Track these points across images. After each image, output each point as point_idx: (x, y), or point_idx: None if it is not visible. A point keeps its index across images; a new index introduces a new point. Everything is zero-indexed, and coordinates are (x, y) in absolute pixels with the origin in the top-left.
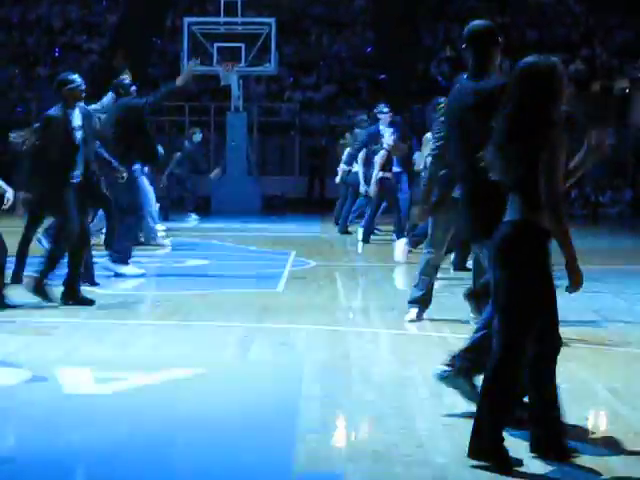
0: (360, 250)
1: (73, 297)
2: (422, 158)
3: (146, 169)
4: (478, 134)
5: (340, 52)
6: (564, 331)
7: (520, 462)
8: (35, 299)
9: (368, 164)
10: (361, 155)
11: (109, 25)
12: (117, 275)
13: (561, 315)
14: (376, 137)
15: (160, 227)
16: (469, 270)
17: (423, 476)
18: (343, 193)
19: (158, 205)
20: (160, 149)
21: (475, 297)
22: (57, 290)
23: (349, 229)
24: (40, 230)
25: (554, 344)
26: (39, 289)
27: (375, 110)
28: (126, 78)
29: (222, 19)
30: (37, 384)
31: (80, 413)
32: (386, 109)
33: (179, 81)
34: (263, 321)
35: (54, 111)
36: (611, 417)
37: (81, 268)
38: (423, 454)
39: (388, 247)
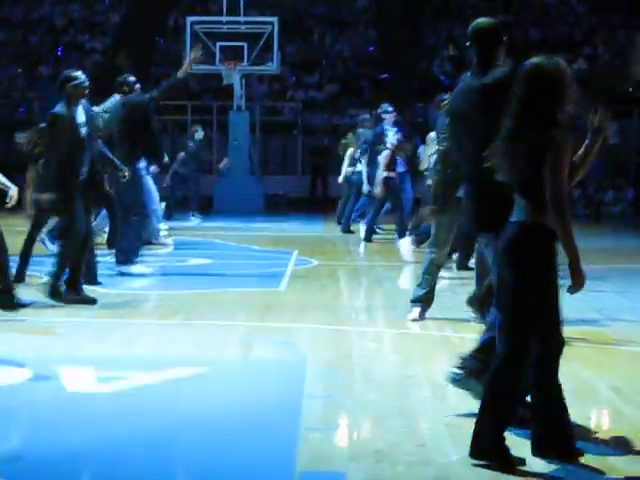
0: (362, 249)
1: (75, 296)
2: (426, 158)
3: (152, 168)
4: (482, 132)
5: (342, 51)
6: (567, 330)
7: (523, 461)
8: (40, 298)
9: (371, 164)
10: (360, 152)
11: (112, 24)
12: (121, 274)
13: (564, 314)
14: (381, 137)
15: (163, 226)
16: (471, 269)
17: (425, 475)
18: (346, 192)
19: (164, 204)
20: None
21: (478, 303)
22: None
23: (351, 228)
24: (44, 230)
25: (557, 344)
26: (54, 292)
27: (379, 110)
28: (130, 76)
29: (225, 18)
30: (39, 383)
31: (82, 412)
32: (390, 108)
33: (180, 73)
34: (265, 320)
35: (59, 109)
36: (614, 416)
37: (82, 267)
38: (425, 453)
39: (390, 246)
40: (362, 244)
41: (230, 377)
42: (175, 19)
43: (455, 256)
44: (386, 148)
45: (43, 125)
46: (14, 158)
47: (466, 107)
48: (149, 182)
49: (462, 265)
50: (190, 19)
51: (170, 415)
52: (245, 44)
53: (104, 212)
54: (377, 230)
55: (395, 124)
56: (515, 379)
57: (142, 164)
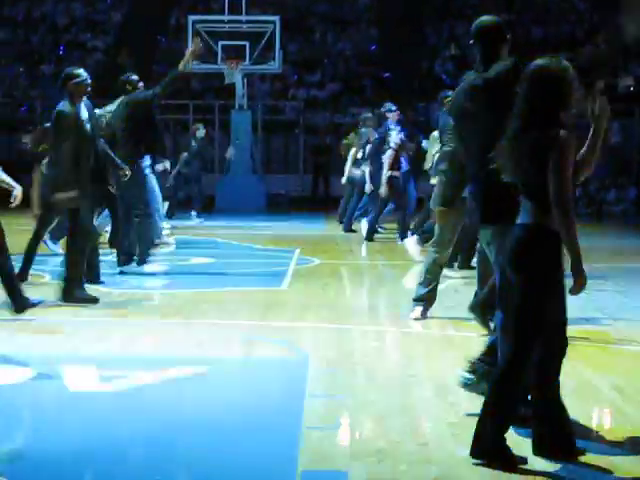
0: (364, 248)
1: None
2: (430, 157)
3: (159, 166)
4: (486, 130)
5: (344, 50)
6: (569, 329)
7: (524, 460)
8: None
9: (375, 163)
10: (368, 153)
11: (114, 23)
12: (122, 273)
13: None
14: (386, 136)
15: (165, 225)
16: (473, 268)
17: (427, 474)
18: (348, 191)
19: (167, 203)
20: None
21: (480, 310)
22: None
23: (353, 227)
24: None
25: (561, 344)
26: (70, 295)
27: (382, 109)
28: (133, 74)
29: (226, 17)
30: (42, 382)
31: (84, 411)
32: (394, 107)
33: (181, 65)
34: (267, 319)
35: (63, 106)
36: (616, 415)
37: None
38: (427, 452)
39: (392, 245)
40: (364, 243)
41: (232, 376)
42: (177, 18)
43: (458, 256)
44: (390, 147)
45: (47, 124)
46: (16, 157)
47: (469, 105)
48: (153, 181)
49: (464, 264)
50: (192, 18)
51: (171, 414)
52: (247, 43)
53: (106, 211)
54: (379, 229)
55: (398, 123)
56: (520, 380)
57: (147, 162)
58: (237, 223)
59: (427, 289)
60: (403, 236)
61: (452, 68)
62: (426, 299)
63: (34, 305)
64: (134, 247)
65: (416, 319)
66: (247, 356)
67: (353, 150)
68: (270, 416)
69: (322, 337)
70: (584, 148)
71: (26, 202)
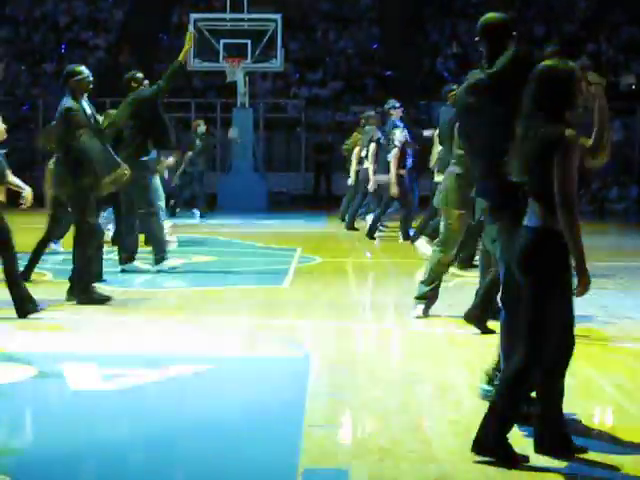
0: (366, 246)
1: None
2: (434, 155)
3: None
4: (492, 125)
5: (346, 48)
6: None
7: (526, 459)
8: (46, 295)
9: (379, 161)
10: (371, 151)
11: (115, 21)
12: (123, 271)
13: None
14: (390, 135)
15: (167, 223)
16: (475, 267)
17: (429, 472)
18: (351, 189)
19: (172, 202)
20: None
21: (475, 318)
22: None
23: (355, 225)
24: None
25: (568, 344)
26: (85, 296)
27: (386, 105)
28: (138, 72)
29: (228, 15)
30: (44, 380)
31: (86, 409)
32: (398, 104)
33: (181, 56)
34: (269, 317)
35: (68, 102)
36: (617, 413)
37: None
38: (429, 451)
39: (394, 243)
40: (366, 241)
41: (233, 374)
42: (179, 16)
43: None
44: (395, 146)
45: (54, 123)
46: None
47: (473, 100)
48: (157, 180)
49: (467, 263)
50: (193, 16)
51: (173, 413)
52: (248, 41)
53: (109, 210)
54: (380, 228)
55: (401, 120)
56: (528, 381)
57: (153, 156)
58: (239, 221)
59: (429, 287)
60: (406, 236)
61: (454, 66)
62: (428, 297)
63: (38, 310)
64: (136, 246)
65: (418, 317)
66: (249, 354)
67: (357, 149)
68: (271, 414)
69: (324, 335)
70: (593, 134)
71: (42, 200)
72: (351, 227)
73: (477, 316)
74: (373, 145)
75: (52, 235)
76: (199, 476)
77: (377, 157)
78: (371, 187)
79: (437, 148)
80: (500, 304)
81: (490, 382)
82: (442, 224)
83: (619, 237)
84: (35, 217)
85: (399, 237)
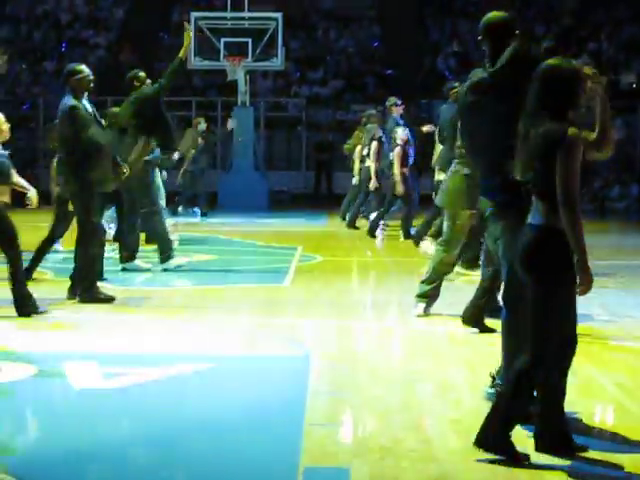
0: (366, 245)
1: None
2: (436, 154)
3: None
4: (494, 124)
5: (347, 47)
6: None
7: (527, 457)
8: (47, 294)
9: (381, 160)
10: (373, 149)
11: (116, 20)
12: (124, 270)
13: None
14: (392, 133)
15: (168, 222)
16: (477, 266)
17: (429, 471)
18: (353, 188)
19: (176, 199)
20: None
21: (473, 319)
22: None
23: (356, 224)
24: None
25: (570, 344)
26: (90, 296)
27: (387, 102)
28: (140, 71)
29: (229, 14)
30: (44, 379)
31: (87, 408)
32: (399, 101)
33: (181, 53)
34: (270, 316)
35: (70, 101)
36: (618, 412)
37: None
38: (430, 449)
39: (395, 242)
40: (367, 240)
41: (234, 373)
42: (179, 14)
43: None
44: (397, 144)
45: (56, 122)
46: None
47: (476, 99)
48: (158, 178)
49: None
50: (194, 15)
51: (174, 411)
52: (249, 40)
53: (112, 208)
54: (380, 226)
55: (401, 117)
56: (537, 379)
57: (156, 154)
58: (239, 220)
59: (430, 286)
60: (407, 234)
61: (455, 64)
62: (429, 296)
63: (38, 312)
64: (137, 244)
65: (419, 316)
66: (249, 353)
67: (359, 147)
68: (272, 413)
69: (324, 334)
70: (596, 127)
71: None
72: (352, 225)
73: (475, 317)
74: (375, 143)
75: (57, 234)
76: (200, 475)
77: (378, 155)
78: (372, 185)
79: (439, 147)
80: (502, 302)
81: (495, 386)
82: (445, 224)
83: (620, 236)
84: (40, 216)
85: (400, 236)
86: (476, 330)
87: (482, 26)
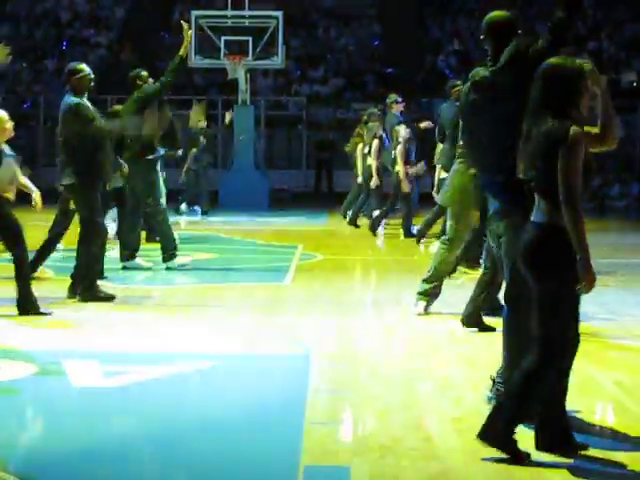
0: (367, 243)
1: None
2: (438, 152)
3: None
4: (496, 123)
5: (347, 45)
6: None
7: (527, 455)
8: (48, 292)
9: (379, 157)
10: (374, 147)
11: (117, 19)
12: (124, 268)
13: None
14: (393, 132)
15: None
16: (479, 265)
17: (429, 470)
18: (355, 186)
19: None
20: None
21: (473, 319)
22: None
23: (358, 222)
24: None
25: (573, 343)
26: (91, 295)
27: (388, 100)
28: (142, 70)
29: (229, 12)
30: (44, 377)
31: (87, 406)
32: (400, 98)
33: (182, 51)
34: (270, 314)
35: (72, 99)
36: (618, 410)
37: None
38: (430, 448)
39: (396, 240)
40: (367, 238)
41: (235, 372)
42: (180, 13)
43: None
44: (399, 143)
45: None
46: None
47: (478, 97)
48: (160, 177)
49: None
50: (195, 13)
51: (174, 410)
52: (250, 38)
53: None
54: (383, 224)
55: (401, 114)
56: (544, 378)
57: (160, 153)
58: (240, 218)
59: (431, 285)
60: (407, 233)
61: (455, 63)
62: (430, 295)
63: (38, 312)
64: (138, 243)
65: (419, 314)
66: (250, 352)
67: (360, 146)
68: (273, 411)
69: (324, 332)
70: (599, 119)
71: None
72: (353, 224)
73: (475, 318)
74: (376, 141)
75: (64, 229)
76: (200, 473)
77: (379, 154)
78: (373, 183)
79: (440, 145)
80: (503, 301)
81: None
82: (449, 223)
83: (620, 234)
84: (44, 214)
85: (400, 234)
86: (477, 328)
87: (485, 25)
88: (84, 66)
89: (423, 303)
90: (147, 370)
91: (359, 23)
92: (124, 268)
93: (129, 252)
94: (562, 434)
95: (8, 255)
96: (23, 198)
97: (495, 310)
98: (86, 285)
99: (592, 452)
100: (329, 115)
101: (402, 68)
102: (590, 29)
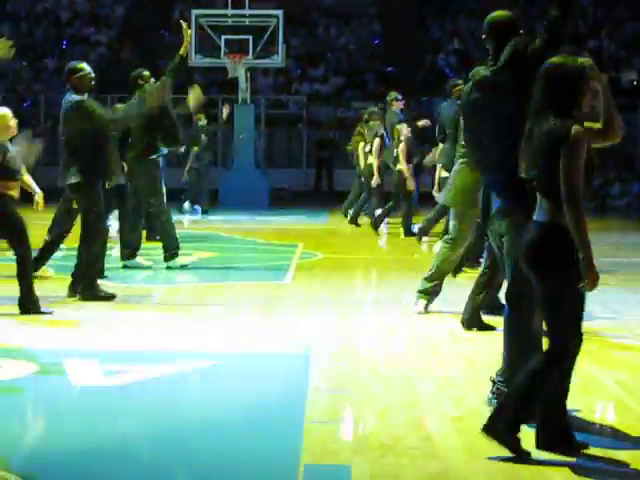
0: (367, 242)
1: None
2: (440, 151)
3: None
4: (497, 122)
5: (348, 44)
6: None
7: (528, 454)
8: (48, 291)
9: (380, 156)
10: (375, 146)
11: (117, 17)
12: (125, 267)
13: None
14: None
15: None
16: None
17: (430, 468)
18: (356, 185)
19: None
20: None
21: (474, 320)
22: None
23: (359, 221)
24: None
25: (575, 342)
26: (91, 294)
27: (388, 97)
28: (144, 70)
29: (230, 11)
30: (45, 376)
31: (87, 405)
32: (400, 96)
33: (182, 51)
34: (270, 313)
35: (72, 97)
36: (619, 409)
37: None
38: (430, 447)
39: (396, 239)
40: (367, 237)
41: (235, 370)
42: (180, 12)
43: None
44: (400, 141)
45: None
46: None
47: (479, 97)
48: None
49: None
50: (195, 12)
51: (174, 409)
52: (250, 37)
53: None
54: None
55: (401, 112)
56: (556, 375)
57: (163, 152)
58: (240, 217)
59: (432, 284)
60: (408, 232)
61: (455, 62)
62: (431, 293)
63: (39, 312)
64: (139, 242)
65: (419, 313)
66: (250, 350)
67: (361, 144)
68: (273, 410)
69: (325, 331)
70: (601, 115)
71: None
72: (354, 222)
73: (475, 320)
74: (377, 140)
75: (68, 228)
76: (200, 472)
77: (381, 152)
78: (374, 182)
79: (440, 144)
80: (505, 300)
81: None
82: (452, 222)
83: (620, 233)
84: (46, 214)
85: (401, 233)
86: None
87: (486, 25)
88: (84, 65)
89: (424, 302)
90: (147, 369)
91: (359, 22)
92: (124, 267)
93: (130, 251)
94: (563, 433)
95: (10, 254)
96: (25, 198)
97: (494, 309)
98: (86, 284)
99: (593, 451)
100: (329, 114)
101: (402, 67)
102: (590, 28)
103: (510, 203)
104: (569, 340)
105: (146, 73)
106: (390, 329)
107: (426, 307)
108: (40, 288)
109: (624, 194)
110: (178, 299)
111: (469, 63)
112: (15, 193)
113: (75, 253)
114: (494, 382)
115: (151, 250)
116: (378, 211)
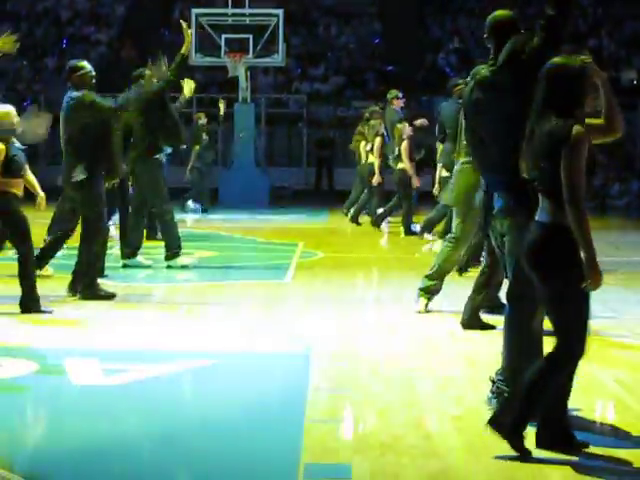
0: (367, 241)
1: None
2: (440, 150)
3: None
4: (498, 121)
5: (348, 43)
6: None
7: (529, 452)
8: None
9: (381, 155)
10: (376, 145)
11: (117, 16)
12: (125, 267)
13: None
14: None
15: None
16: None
17: (430, 467)
18: (357, 184)
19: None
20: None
21: (474, 321)
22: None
23: (359, 220)
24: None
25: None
26: (91, 293)
27: (389, 95)
28: (146, 69)
29: (230, 10)
30: (45, 375)
31: (87, 404)
32: (401, 94)
33: (184, 49)
34: (270, 312)
35: (73, 94)
36: (619, 408)
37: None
38: (430, 446)
39: (396, 238)
40: (368, 236)
41: (235, 369)
42: (180, 11)
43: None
44: (402, 140)
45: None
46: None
47: (480, 96)
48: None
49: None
50: (195, 11)
51: (174, 408)
52: (250, 36)
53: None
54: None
55: (401, 110)
56: (560, 376)
57: (167, 151)
58: (240, 216)
59: (433, 282)
60: (408, 231)
61: (456, 61)
62: (431, 292)
63: (40, 311)
64: (140, 242)
65: (419, 312)
66: (250, 350)
67: (363, 143)
68: (273, 410)
69: (325, 330)
70: (603, 111)
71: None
72: (355, 221)
73: (475, 321)
74: (378, 139)
75: (73, 227)
76: (200, 471)
77: (382, 151)
78: (375, 181)
79: (441, 144)
80: (505, 299)
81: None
82: (455, 222)
83: (620, 232)
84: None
85: (401, 232)
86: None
87: (488, 24)
88: (85, 63)
89: (423, 300)
90: (147, 368)
91: (359, 21)
92: (125, 266)
93: (131, 250)
94: (563, 433)
95: (11, 253)
96: (28, 197)
97: (494, 308)
98: (86, 283)
99: (593, 450)
100: (329, 113)
101: (402, 66)
102: (590, 27)
103: (512, 203)
104: (574, 342)
105: (148, 72)
106: (390, 328)
107: (426, 306)
108: (40, 287)
109: (624, 194)
110: (178, 298)
111: (469, 62)
112: (19, 191)
113: (75, 252)
114: (494, 381)
115: (151, 249)
116: (380, 210)
